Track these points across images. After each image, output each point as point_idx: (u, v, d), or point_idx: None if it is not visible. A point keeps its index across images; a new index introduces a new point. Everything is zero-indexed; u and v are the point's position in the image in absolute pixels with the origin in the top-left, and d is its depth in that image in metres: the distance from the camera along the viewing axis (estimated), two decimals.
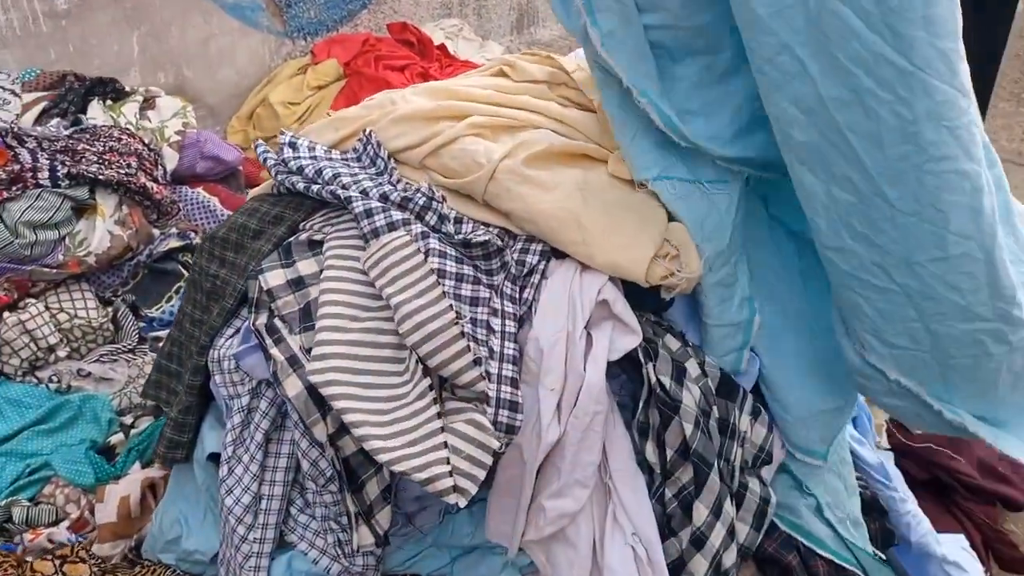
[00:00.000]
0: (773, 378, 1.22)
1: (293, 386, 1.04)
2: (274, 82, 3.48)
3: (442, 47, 3.78)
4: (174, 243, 2.00)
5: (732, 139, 1.06)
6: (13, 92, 1.96)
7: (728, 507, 1.15)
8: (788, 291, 1.24)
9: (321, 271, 1.08)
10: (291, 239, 1.16)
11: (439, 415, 1.00)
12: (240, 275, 1.21)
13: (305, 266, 1.11)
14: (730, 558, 1.16)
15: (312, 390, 1.02)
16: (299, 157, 1.19)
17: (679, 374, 1.09)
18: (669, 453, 1.10)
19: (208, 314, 1.27)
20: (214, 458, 1.19)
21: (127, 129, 2.00)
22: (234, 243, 1.25)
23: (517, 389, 1.04)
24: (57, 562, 1.23)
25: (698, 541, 1.12)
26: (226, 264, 1.26)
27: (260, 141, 1.27)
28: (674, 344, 1.14)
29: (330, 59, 3.52)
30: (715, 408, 1.13)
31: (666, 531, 1.13)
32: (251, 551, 1.10)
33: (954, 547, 1.39)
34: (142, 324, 1.95)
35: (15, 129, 1.83)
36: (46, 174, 1.80)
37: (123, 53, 2.85)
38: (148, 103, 2.20)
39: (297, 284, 1.10)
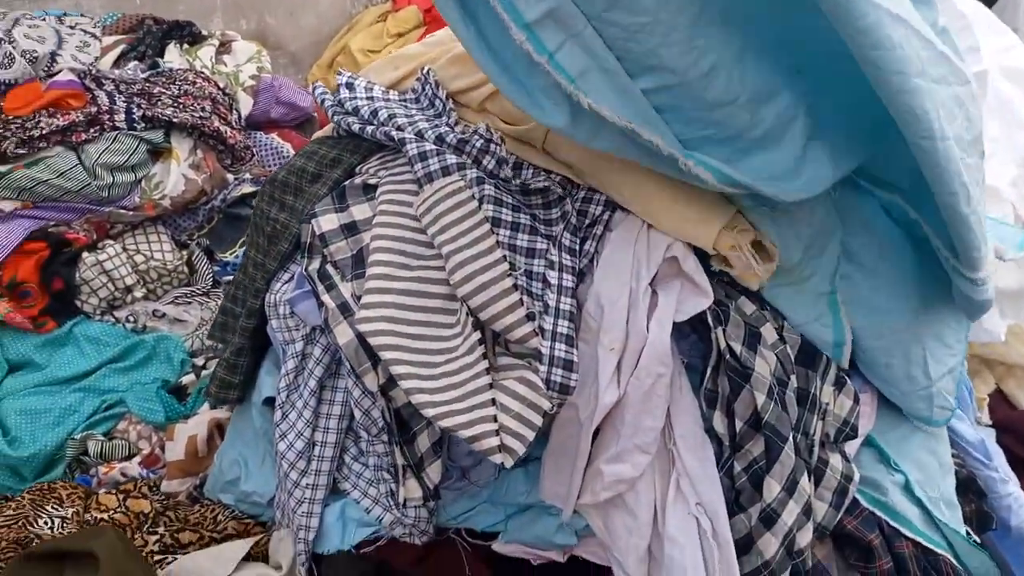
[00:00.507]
0: (873, 352, 1.12)
1: (344, 334, 1.00)
2: (354, 29, 3.45)
3: None
4: (247, 188, 2.01)
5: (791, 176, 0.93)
6: (93, 35, 1.98)
7: (805, 484, 1.07)
8: (891, 266, 1.12)
9: (375, 216, 1.04)
10: (346, 182, 1.12)
11: (489, 371, 0.95)
12: (298, 219, 1.19)
13: (359, 211, 1.07)
14: (805, 538, 1.08)
15: (363, 339, 0.99)
16: (355, 98, 1.14)
17: (752, 340, 1.00)
18: (739, 424, 1.02)
19: (268, 258, 1.26)
20: (270, 402, 1.18)
21: (202, 73, 2.00)
22: (293, 186, 1.23)
23: (573, 347, 0.98)
24: (121, 496, 1.26)
25: (768, 519, 1.04)
26: (285, 208, 1.24)
27: (319, 83, 1.23)
28: (748, 307, 1.05)
29: (410, 6, 3.46)
30: (793, 378, 1.04)
31: (734, 507, 1.05)
32: (303, 496, 1.09)
33: None
34: (216, 268, 1.98)
35: (93, 71, 1.86)
36: (122, 116, 1.82)
37: None
38: (224, 47, 2.19)
39: (350, 229, 1.06)
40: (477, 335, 0.95)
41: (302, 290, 1.08)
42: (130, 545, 1.04)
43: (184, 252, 1.93)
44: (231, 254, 1.99)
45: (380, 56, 3.34)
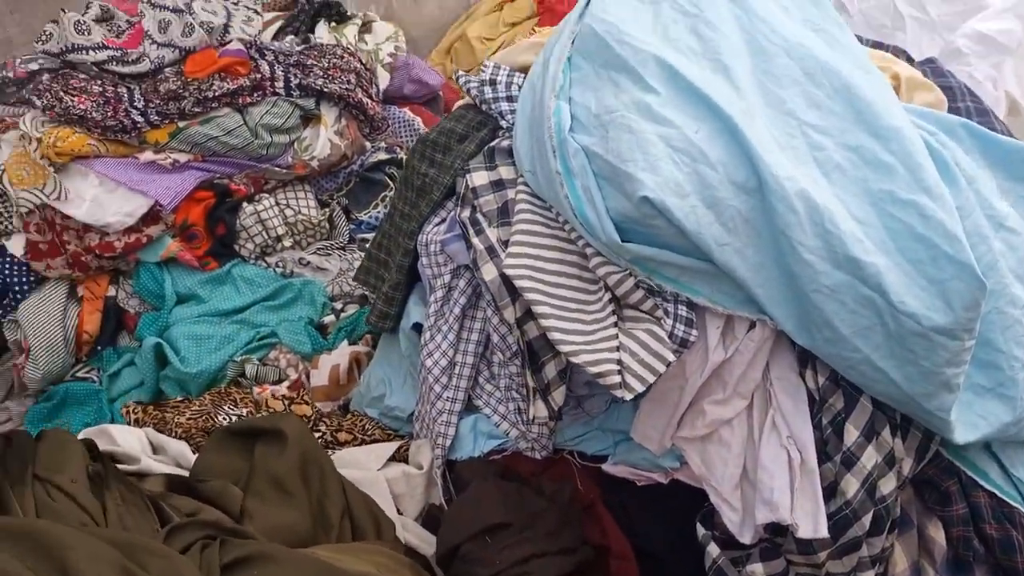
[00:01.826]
0: None
1: (489, 272, 1.18)
2: (472, 17, 3.65)
3: None
4: (382, 156, 2.22)
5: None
6: (256, 11, 2.23)
7: (887, 435, 1.18)
8: None
9: (518, 177, 1.21)
10: (495, 144, 1.29)
11: (617, 324, 1.10)
12: (447, 173, 1.37)
13: (505, 171, 1.24)
14: (888, 485, 1.18)
15: (505, 278, 1.16)
16: (497, 98, 1.32)
17: None
18: (821, 380, 1.14)
19: (416, 208, 1.45)
20: (417, 328, 1.37)
21: (348, 49, 2.22)
22: (443, 145, 1.41)
23: (692, 308, 1.12)
24: (286, 402, 1.48)
25: (848, 461, 1.16)
26: (435, 164, 1.43)
27: (460, 72, 1.41)
28: None
29: None
30: None
31: (822, 456, 1.17)
32: (443, 408, 1.28)
33: None
34: (351, 225, 2.21)
35: (258, 43, 2.10)
36: (281, 84, 2.05)
37: None
38: (365, 27, 2.42)
39: (497, 185, 1.23)
40: (608, 295, 1.11)
41: (453, 233, 1.26)
42: (309, 431, 1.25)
43: (326, 210, 2.16)
44: (365, 214, 2.21)
45: (494, 43, 3.54)
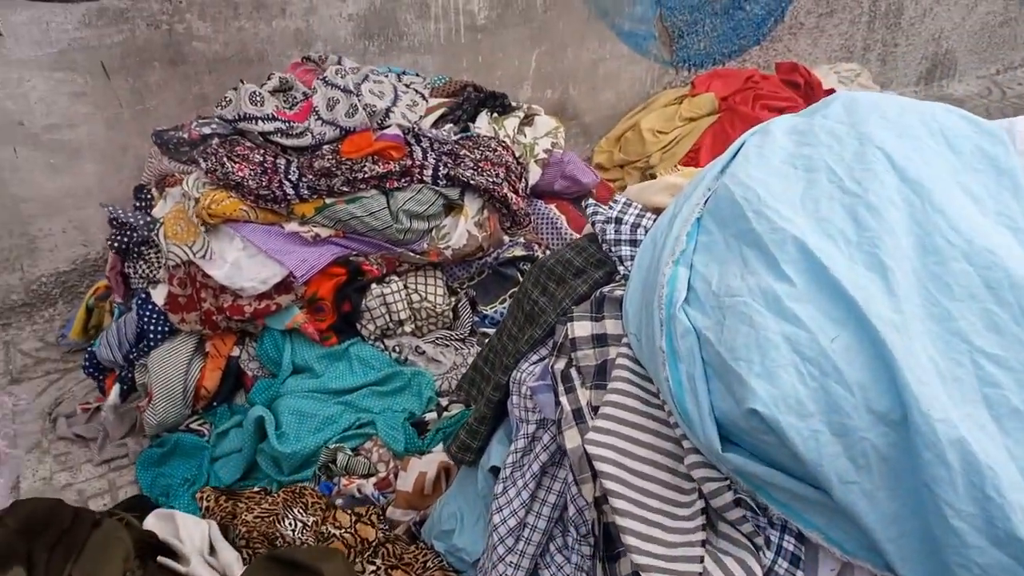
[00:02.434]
0: None
1: (572, 439, 1.05)
2: (648, 108, 3.57)
3: (831, 91, 3.53)
4: (519, 252, 2.16)
5: None
6: (422, 96, 2.27)
7: None
8: None
9: (623, 335, 1.08)
10: (606, 290, 1.17)
11: (705, 543, 0.93)
12: (554, 307, 1.26)
13: (611, 325, 1.11)
14: None
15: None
16: (620, 241, 1.20)
17: None
18: None
19: (521, 333, 1.35)
20: (495, 470, 1.26)
21: (503, 142, 2.20)
22: (558, 276, 1.31)
23: (802, 543, 0.93)
24: (353, 518, 1.41)
25: None
26: (547, 293, 1.32)
27: (591, 202, 1.31)
28: None
29: (708, 92, 3.50)
30: None
31: None
32: (505, 572, 1.15)
33: None
34: (476, 318, 2.15)
35: (416, 129, 2.12)
36: (430, 172, 2.05)
37: (521, 68, 3.14)
38: (527, 119, 2.39)
39: (600, 340, 1.11)
40: (701, 503, 0.94)
41: (544, 382, 1.14)
42: (353, 573, 1.17)
43: (452, 299, 2.12)
44: (491, 308, 2.14)
45: (667, 137, 3.42)
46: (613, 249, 1.19)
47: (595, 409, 1.04)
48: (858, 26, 4.08)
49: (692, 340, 0.92)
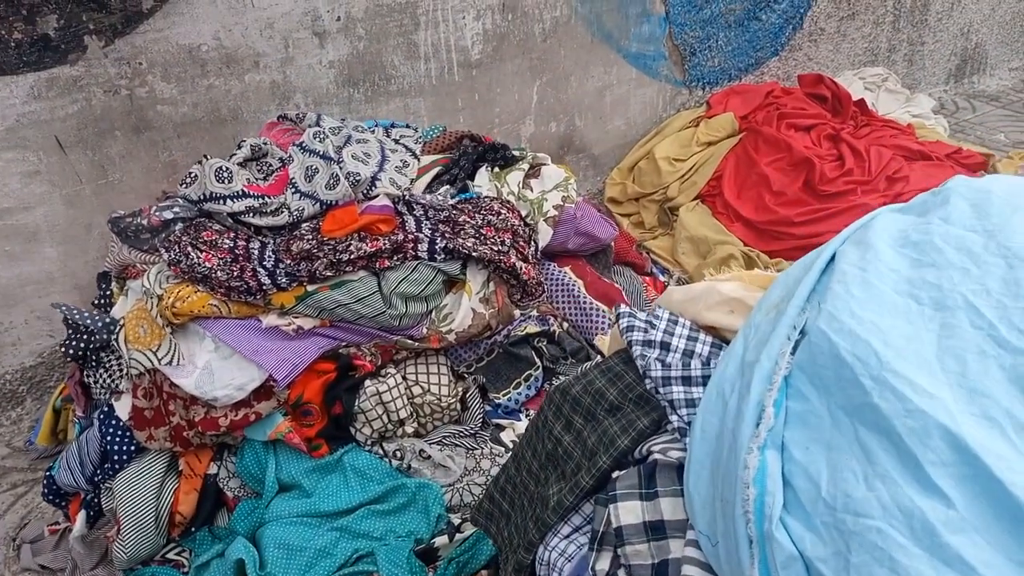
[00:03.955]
0: None
1: None
2: (662, 134, 3.28)
3: (860, 103, 3.23)
4: (532, 328, 1.88)
5: None
6: (413, 154, 2.00)
7: None
8: None
9: (687, 522, 0.79)
10: (657, 451, 0.88)
11: None
12: (584, 454, 0.99)
13: (670, 506, 0.83)
14: None
15: None
16: (669, 379, 0.92)
17: None
18: None
19: (541, 484, 1.08)
20: None
21: (507, 202, 1.92)
22: (586, 409, 1.03)
23: None
24: None
25: None
26: (572, 430, 1.05)
27: (624, 310, 1.02)
28: None
29: (726, 112, 3.22)
30: None
31: None
32: None
33: None
34: (487, 408, 1.87)
35: (407, 196, 1.85)
36: (425, 246, 1.78)
37: (522, 102, 2.87)
38: (533, 171, 2.11)
39: (656, 531, 0.82)
40: None
41: None
42: None
43: (459, 388, 1.85)
44: (504, 395, 1.86)
45: (685, 165, 3.12)
46: (661, 390, 0.91)
47: None
48: (882, 27, 3.79)
49: (799, 572, 0.64)
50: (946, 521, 0.58)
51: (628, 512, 0.84)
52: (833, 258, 0.80)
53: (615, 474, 0.89)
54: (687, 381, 0.91)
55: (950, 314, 0.68)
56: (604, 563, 0.84)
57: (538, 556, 0.97)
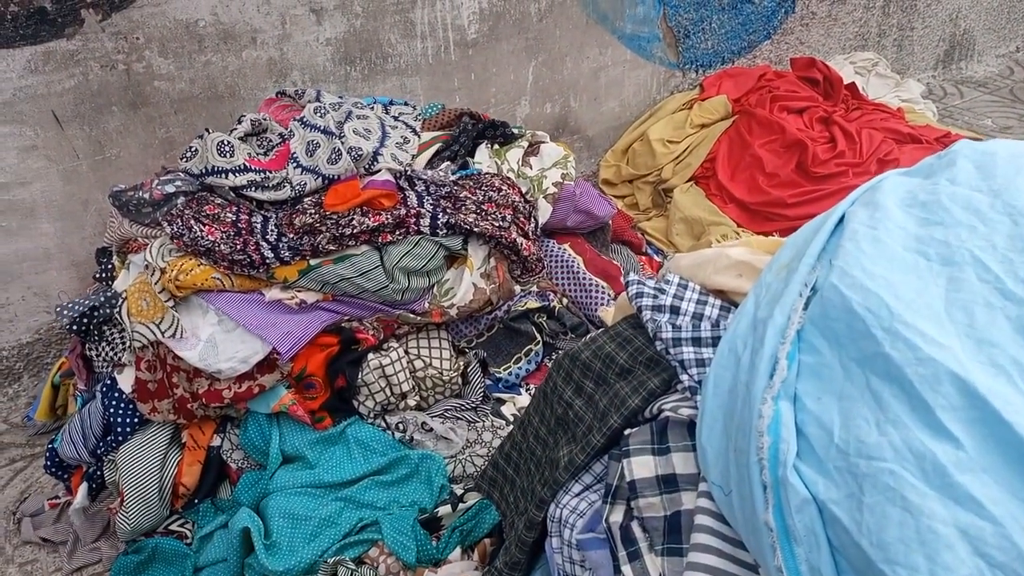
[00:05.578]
0: None
1: None
2: (655, 116, 3.30)
3: (851, 86, 3.27)
4: (532, 303, 1.90)
5: None
6: (413, 130, 2.00)
7: None
8: None
9: (699, 475, 0.82)
10: (668, 409, 0.91)
11: None
12: (598, 420, 1.01)
13: (681, 460, 0.85)
14: None
15: None
16: (679, 340, 0.94)
17: None
18: None
19: (550, 448, 1.10)
20: None
21: (508, 178, 1.94)
22: (596, 373, 1.05)
23: None
24: None
25: None
26: (583, 394, 1.07)
27: (633, 277, 1.04)
28: None
29: (719, 95, 3.24)
30: None
31: None
32: None
33: None
34: (488, 381, 1.89)
35: (408, 171, 1.86)
36: (427, 221, 1.79)
37: (518, 82, 2.88)
38: (532, 148, 2.13)
39: (668, 483, 0.85)
40: None
41: (596, 535, 0.89)
42: None
43: (460, 362, 1.87)
44: (505, 370, 1.89)
45: (679, 147, 3.15)
46: (672, 351, 0.93)
47: None
48: (872, 11, 3.82)
49: (812, 515, 0.66)
50: (956, 462, 0.61)
51: (641, 466, 0.86)
52: (842, 220, 0.82)
53: (627, 431, 0.91)
54: (697, 342, 0.93)
55: (957, 269, 0.70)
56: (617, 515, 0.87)
57: (549, 513, 0.99)
